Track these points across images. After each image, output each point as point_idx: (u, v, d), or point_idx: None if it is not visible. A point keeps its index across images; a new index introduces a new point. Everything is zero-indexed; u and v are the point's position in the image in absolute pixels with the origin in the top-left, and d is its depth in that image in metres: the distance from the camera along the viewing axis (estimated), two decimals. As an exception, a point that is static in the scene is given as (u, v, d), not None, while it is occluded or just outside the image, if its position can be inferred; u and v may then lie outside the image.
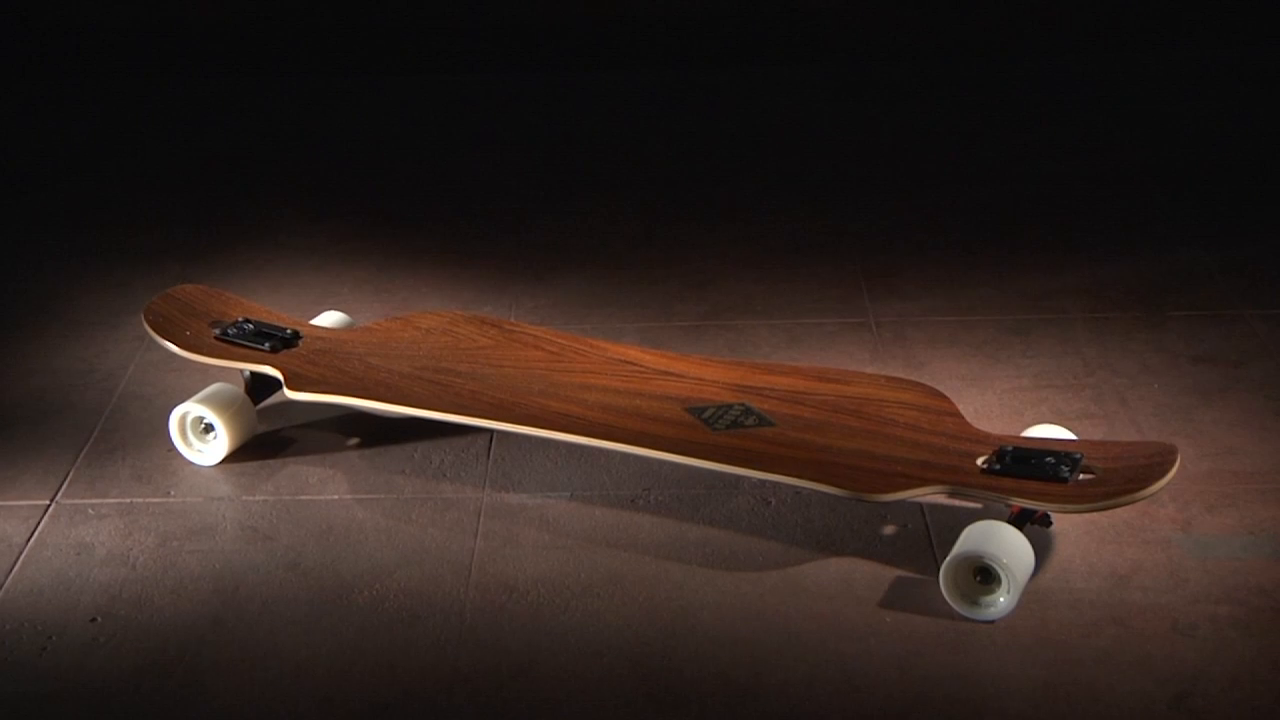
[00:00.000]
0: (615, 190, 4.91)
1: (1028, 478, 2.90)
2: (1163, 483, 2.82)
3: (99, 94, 5.93)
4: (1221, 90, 5.65)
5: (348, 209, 4.81)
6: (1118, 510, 3.12)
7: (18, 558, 3.12)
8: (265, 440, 3.51)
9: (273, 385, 3.51)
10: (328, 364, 3.44)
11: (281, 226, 4.69)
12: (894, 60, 5.97)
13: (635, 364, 3.40)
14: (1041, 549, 2.99)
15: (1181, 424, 3.45)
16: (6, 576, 3.06)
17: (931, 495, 3.05)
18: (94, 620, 2.94)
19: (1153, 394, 3.58)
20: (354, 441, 3.51)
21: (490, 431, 3.49)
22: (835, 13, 5.97)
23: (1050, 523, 3.00)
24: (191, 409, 3.41)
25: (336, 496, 3.31)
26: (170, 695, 2.74)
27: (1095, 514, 3.11)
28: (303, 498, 3.30)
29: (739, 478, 3.29)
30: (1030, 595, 2.89)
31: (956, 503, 3.17)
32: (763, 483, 3.27)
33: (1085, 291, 4.09)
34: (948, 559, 2.84)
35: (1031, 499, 2.86)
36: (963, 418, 3.15)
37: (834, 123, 5.47)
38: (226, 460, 3.43)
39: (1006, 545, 2.82)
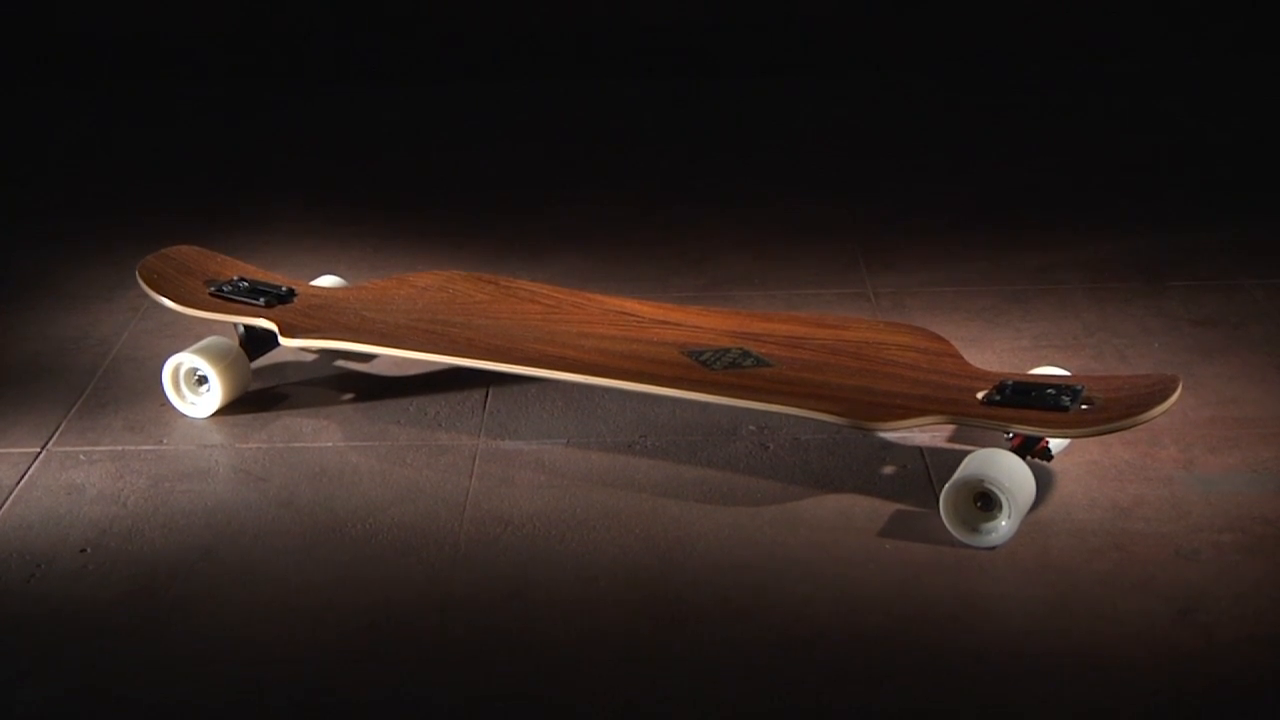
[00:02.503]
0: (614, 183, 4.92)
1: (1029, 408, 2.87)
2: (1166, 405, 2.79)
3: (105, 97, 5.95)
4: (1213, 90, 5.67)
5: (346, 199, 4.81)
6: (1119, 451, 3.10)
7: (6, 498, 3.08)
8: (258, 395, 3.48)
9: (267, 343, 3.49)
10: (322, 317, 3.42)
11: (280, 214, 4.69)
12: (887, 67, 5.99)
13: (632, 314, 3.38)
14: (1042, 486, 2.96)
15: (1183, 378, 3.40)
16: (-5, 513, 3.03)
17: (932, 426, 3.03)
18: (83, 551, 2.90)
19: (1153, 352, 3.56)
20: (348, 396, 3.49)
21: (486, 385, 3.47)
22: (831, 22, 5.99)
23: (1050, 456, 2.97)
24: (185, 359, 3.38)
25: (330, 444, 3.28)
26: (160, 617, 2.70)
27: (1097, 455, 3.08)
28: (296, 445, 3.27)
29: (736, 425, 3.26)
30: (1030, 525, 2.86)
31: (956, 445, 3.15)
32: (761, 428, 3.24)
33: (1084, 265, 4.08)
34: (948, 484, 2.81)
35: (1033, 427, 2.83)
36: (962, 358, 3.13)
37: (831, 124, 5.48)
38: (219, 413, 3.40)
39: (1007, 469, 2.79)
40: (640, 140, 5.34)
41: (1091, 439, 3.10)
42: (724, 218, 4.54)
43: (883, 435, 3.17)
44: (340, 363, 3.63)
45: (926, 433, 3.20)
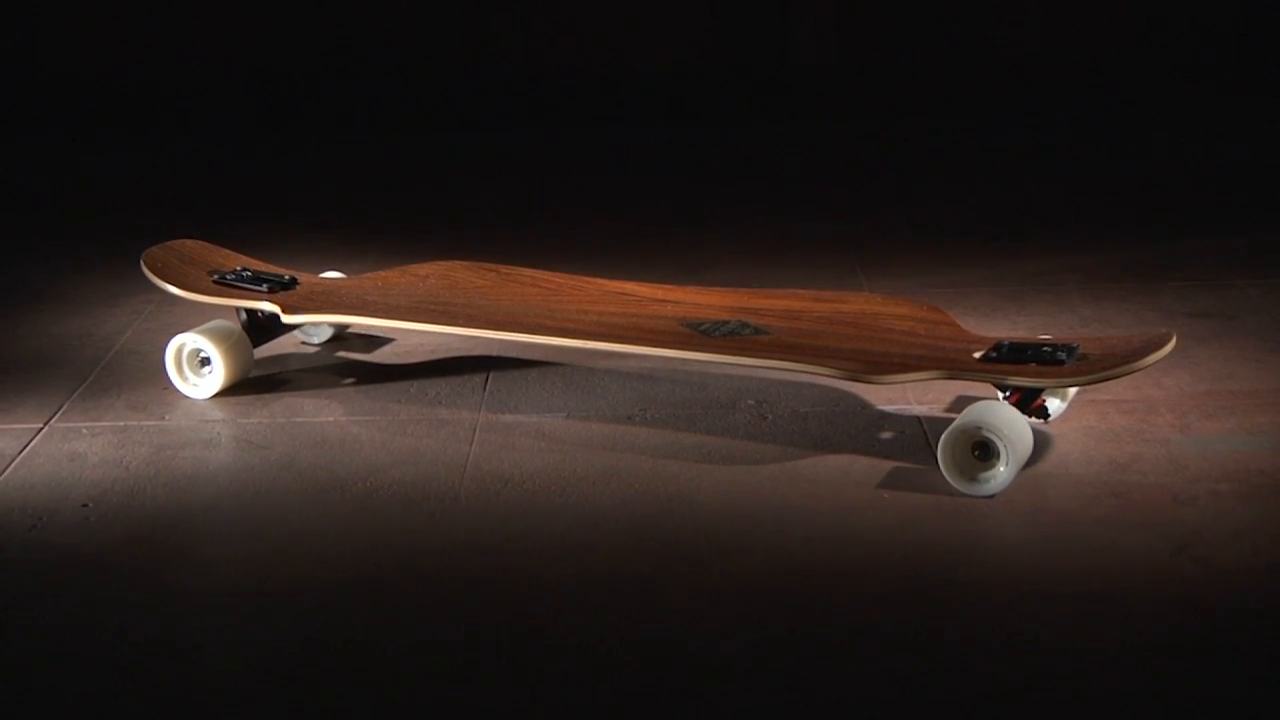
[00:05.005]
0: (613, 208, 4.98)
1: (1026, 364, 2.90)
2: (1161, 354, 2.82)
3: (120, 137, 6.03)
4: (1195, 123, 5.76)
5: (352, 223, 4.87)
6: (1116, 418, 3.12)
7: (8, 465, 3.10)
8: (260, 380, 3.51)
9: (269, 332, 3.52)
10: (324, 300, 3.45)
11: (286, 234, 4.73)
12: (880, 114, 6.07)
13: (632, 294, 3.41)
14: (1039, 446, 2.98)
15: (1179, 359, 3.44)
16: (-2, 475, 3.04)
17: (930, 399, 3.07)
18: (85, 506, 2.91)
19: (1148, 338, 3.58)
20: (350, 380, 3.51)
21: (487, 369, 3.50)
22: (824, 70, 6.08)
23: (1047, 415, 2.99)
24: (188, 339, 3.41)
25: (332, 419, 3.30)
26: (162, 560, 2.71)
27: (1093, 421, 3.11)
28: (297, 420, 3.29)
29: (735, 399, 3.29)
30: (1027, 477, 2.87)
31: (953, 415, 3.16)
32: (759, 402, 3.27)
33: (1079, 270, 4.13)
34: (946, 432, 2.82)
35: (1030, 378, 2.85)
36: (959, 326, 3.16)
37: (826, 160, 5.57)
38: (220, 394, 3.42)
39: (1005, 418, 2.80)
40: (636, 176, 5.41)
41: (1088, 407, 3.13)
42: (721, 235, 4.60)
43: (881, 408, 3.20)
44: (342, 352, 3.65)
45: (924, 404, 3.23)
